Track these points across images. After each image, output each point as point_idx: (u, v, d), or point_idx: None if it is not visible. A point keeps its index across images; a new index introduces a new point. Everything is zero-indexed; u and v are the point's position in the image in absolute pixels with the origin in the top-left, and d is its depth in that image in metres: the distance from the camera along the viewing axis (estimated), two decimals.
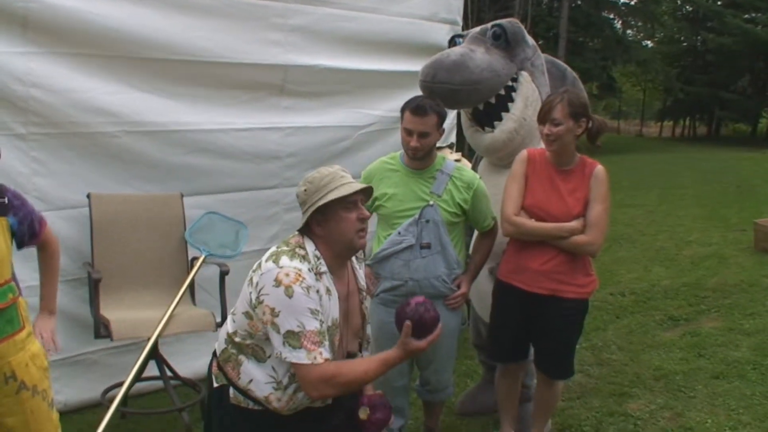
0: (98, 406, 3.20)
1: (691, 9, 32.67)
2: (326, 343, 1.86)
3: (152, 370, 3.16)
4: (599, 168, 2.74)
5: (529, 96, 3.10)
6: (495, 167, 3.25)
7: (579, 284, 2.75)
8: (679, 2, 32.86)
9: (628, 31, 30.96)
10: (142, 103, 3.40)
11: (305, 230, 2.00)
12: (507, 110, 3.09)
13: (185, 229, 3.45)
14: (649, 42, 34.01)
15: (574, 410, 3.48)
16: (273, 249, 1.96)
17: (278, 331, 1.83)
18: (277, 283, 1.83)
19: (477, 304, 3.32)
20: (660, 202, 10.79)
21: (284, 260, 1.88)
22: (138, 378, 2.97)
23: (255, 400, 1.96)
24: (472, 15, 5.59)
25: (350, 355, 2.09)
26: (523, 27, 3.18)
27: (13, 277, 2.04)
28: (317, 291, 1.88)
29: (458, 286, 2.86)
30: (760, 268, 6.06)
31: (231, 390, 1.98)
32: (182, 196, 3.50)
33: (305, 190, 1.99)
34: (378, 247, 2.83)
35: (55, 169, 3.17)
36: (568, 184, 2.73)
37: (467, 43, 3.12)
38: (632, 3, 27.10)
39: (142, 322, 2.99)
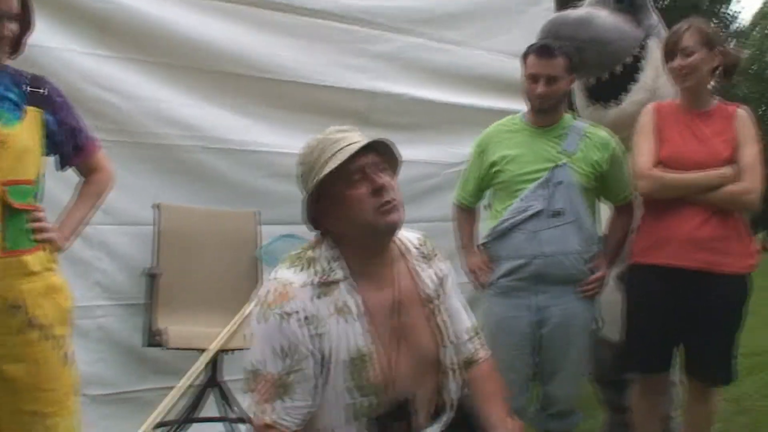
0: None
1: None
2: (288, 400, 1.35)
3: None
4: (742, 109, 2.31)
5: (659, 65, 2.67)
6: None
7: (739, 254, 2.22)
8: None
9: None
10: (220, 119, 3.22)
11: (319, 228, 1.51)
12: (635, 81, 2.72)
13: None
14: None
15: None
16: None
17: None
18: (259, 300, 1.41)
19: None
20: None
21: (281, 270, 1.44)
22: (195, 409, 2.57)
23: None
24: None
25: (402, 407, 1.43)
26: None
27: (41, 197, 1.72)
28: (308, 318, 1.36)
29: (593, 270, 2.36)
30: None
31: None
32: (257, 213, 3.21)
33: (301, 175, 1.50)
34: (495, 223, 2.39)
35: (123, 181, 2.93)
36: (711, 126, 2.29)
37: (586, 7, 2.81)
38: None
39: (202, 334, 2.65)
